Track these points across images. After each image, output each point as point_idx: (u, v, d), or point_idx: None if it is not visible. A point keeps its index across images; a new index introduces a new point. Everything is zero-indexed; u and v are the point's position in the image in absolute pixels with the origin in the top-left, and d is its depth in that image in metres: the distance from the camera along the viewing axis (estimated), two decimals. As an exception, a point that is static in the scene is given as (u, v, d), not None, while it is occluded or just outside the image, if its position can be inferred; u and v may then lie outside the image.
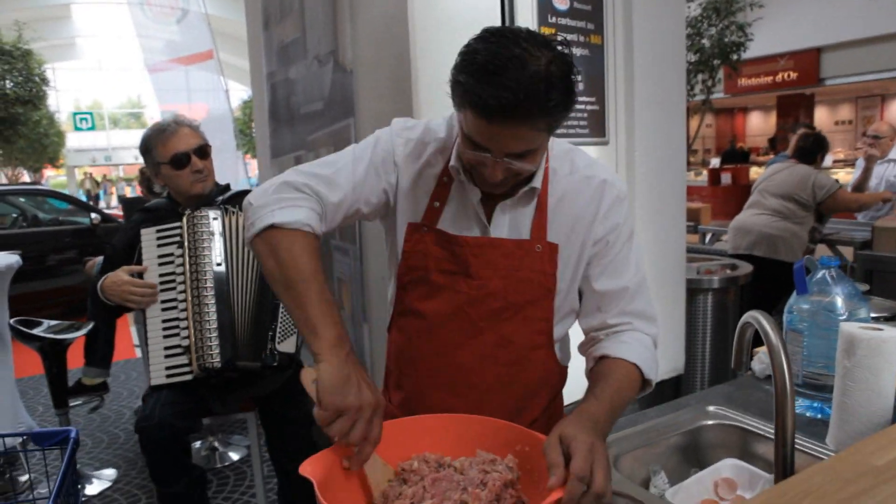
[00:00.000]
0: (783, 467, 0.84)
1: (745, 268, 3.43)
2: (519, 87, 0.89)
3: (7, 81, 11.47)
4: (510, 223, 1.13)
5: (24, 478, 2.98)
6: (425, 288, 1.15)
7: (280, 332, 1.98)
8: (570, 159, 1.16)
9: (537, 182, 1.10)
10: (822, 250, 4.76)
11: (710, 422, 1.36)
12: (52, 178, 26.35)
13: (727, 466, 1.25)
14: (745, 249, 3.87)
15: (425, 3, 2.06)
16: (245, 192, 2.21)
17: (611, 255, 1.14)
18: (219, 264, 1.94)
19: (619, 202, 1.14)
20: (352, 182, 1.12)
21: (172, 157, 1.98)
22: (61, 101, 25.43)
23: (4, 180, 17.50)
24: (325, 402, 0.89)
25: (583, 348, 1.21)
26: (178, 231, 1.97)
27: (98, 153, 27.04)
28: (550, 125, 0.97)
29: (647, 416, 1.39)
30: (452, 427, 1.01)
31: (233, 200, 2.09)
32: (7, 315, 3.27)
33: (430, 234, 1.14)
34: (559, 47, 0.97)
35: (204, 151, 2.04)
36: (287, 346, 1.99)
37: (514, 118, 0.92)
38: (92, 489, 3.00)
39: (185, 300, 1.93)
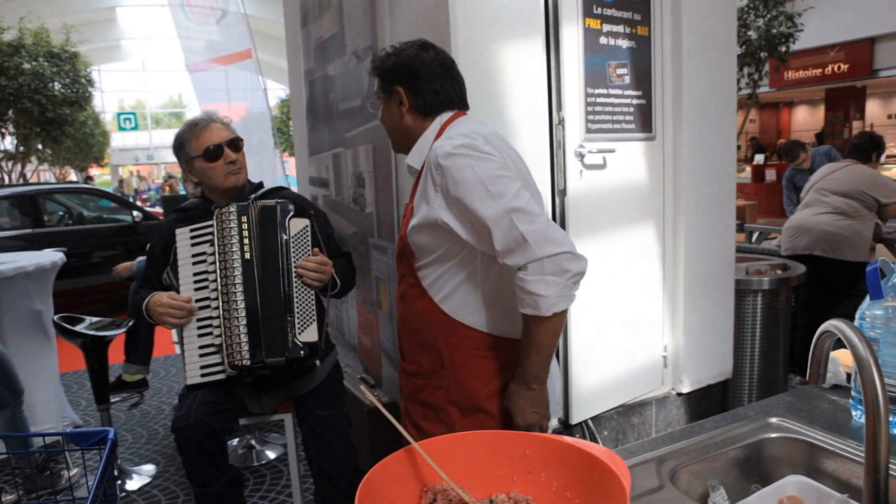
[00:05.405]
0: (875, 498, 0.75)
1: (798, 268, 3.29)
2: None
3: (55, 83, 11.74)
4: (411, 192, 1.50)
5: (66, 474, 3.02)
6: None
7: (299, 323, 1.91)
8: (446, 135, 1.40)
9: (415, 164, 1.44)
10: (881, 251, 4.54)
11: (772, 434, 1.26)
12: (98, 177, 27.13)
13: (792, 484, 1.16)
14: (803, 249, 3.73)
15: (467, -5, 2.00)
16: (278, 189, 2.18)
17: (456, 206, 1.30)
18: (247, 260, 1.90)
19: (435, 163, 1.33)
20: None
21: (206, 150, 1.96)
22: (106, 101, 26.15)
23: (53, 179, 18.07)
24: None
25: None
26: (210, 229, 1.93)
27: (141, 152, 27.73)
28: (380, 83, 1.48)
29: (705, 428, 1.30)
30: (451, 444, 0.95)
31: (266, 197, 2.05)
32: (52, 311, 3.33)
33: None
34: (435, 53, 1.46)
35: (236, 144, 2.02)
36: (308, 335, 1.91)
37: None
38: (132, 485, 3.02)
39: (216, 298, 1.91)
